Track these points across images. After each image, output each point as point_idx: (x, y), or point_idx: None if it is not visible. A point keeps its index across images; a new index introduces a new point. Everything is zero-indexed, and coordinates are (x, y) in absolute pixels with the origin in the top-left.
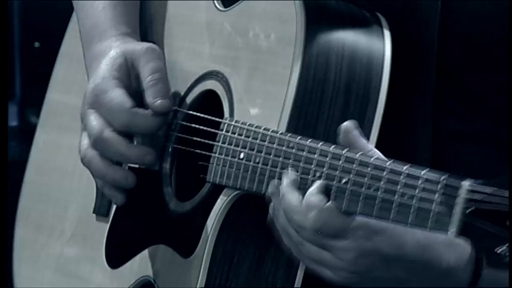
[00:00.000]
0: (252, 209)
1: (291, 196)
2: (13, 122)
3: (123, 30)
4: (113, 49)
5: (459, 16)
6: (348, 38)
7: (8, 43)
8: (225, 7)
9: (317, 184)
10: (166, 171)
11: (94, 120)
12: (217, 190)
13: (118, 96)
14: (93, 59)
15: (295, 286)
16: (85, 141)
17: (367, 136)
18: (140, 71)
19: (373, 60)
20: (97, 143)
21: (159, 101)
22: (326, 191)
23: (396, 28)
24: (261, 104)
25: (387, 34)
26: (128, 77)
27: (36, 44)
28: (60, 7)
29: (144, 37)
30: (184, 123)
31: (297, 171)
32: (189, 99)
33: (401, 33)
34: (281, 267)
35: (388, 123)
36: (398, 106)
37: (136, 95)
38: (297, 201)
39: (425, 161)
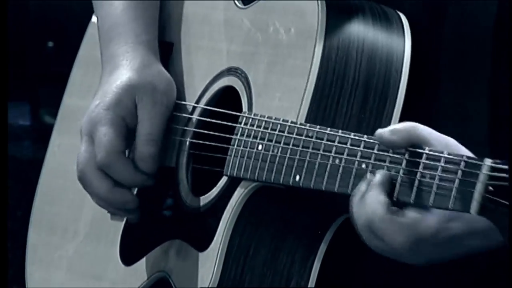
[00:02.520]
0: (268, 202)
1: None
2: (25, 121)
3: (142, 37)
4: (126, 71)
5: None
6: (368, 33)
7: (21, 43)
8: (244, 4)
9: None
10: (182, 166)
11: (83, 152)
12: (233, 184)
13: (112, 133)
14: (108, 60)
15: (310, 280)
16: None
17: None
18: (141, 118)
19: (393, 57)
20: (81, 177)
21: (145, 163)
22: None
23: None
24: (280, 97)
25: (407, 31)
26: (130, 114)
27: (50, 44)
28: (74, 7)
29: (161, 37)
30: (201, 118)
31: (316, 159)
32: (207, 96)
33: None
34: (297, 261)
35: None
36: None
37: (130, 127)
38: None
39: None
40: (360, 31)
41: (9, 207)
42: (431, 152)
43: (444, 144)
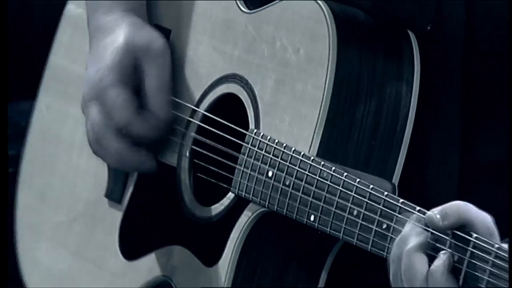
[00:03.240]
0: (275, 225)
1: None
2: None
3: (129, 5)
4: (121, 32)
5: (484, 33)
6: (378, 58)
7: (29, 43)
8: (248, 8)
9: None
10: (184, 170)
11: (97, 116)
12: (241, 200)
13: (124, 94)
14: (97, 31)
15: None
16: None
17: (395, 159)
18: (147, 75)
19: (403, 80)
20: (98, 141)
21: (163, 111)
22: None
23: (420, 49)
24: (290, 122)
25: (416, 52)
26: (133, 74)
27: None
28: None
29: (157, 23)
30: (203, 125)
31: (332, 205)
32: (208, 100)
33: (426, 54)
34: (302, 280)
35: (413, 150)
36: (425, 133)
37: (137, 88)
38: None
39: (452, 190)
40: (371, 55)
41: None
42: (479, 242)
43: (486, 226)
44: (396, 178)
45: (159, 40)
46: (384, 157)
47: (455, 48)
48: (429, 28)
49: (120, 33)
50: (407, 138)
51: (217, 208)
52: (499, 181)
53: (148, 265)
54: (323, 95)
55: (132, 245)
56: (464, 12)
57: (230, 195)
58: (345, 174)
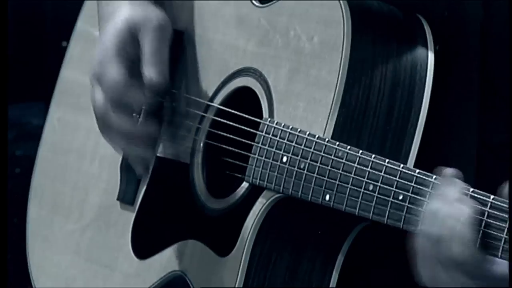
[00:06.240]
0: (290, 212)
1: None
2: (40, 121)
3: None
4: (121, 12)
5: (501, 21)
6: (392, 42)
7: (36, 43)
8: (261, 3)
9: None
10: (197, 165)
11: (97, 97)
12: (255, 189)
13: (115, 68)
14: (101, 21)
15: (330, 286)
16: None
17: (410, 143)
18: (142, 45)
19: (416, 65)
20: (102, 121)
21: (155, 79)
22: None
23: (438, 34)
24: (305, 108)
25: (429, 38)
26: (130, 45)
27: (64, 44)
28: None
29: (172, 25)
30: (218, 119)
31: (347, 183)
32: (222, 94)
33: (444, 40)
34: (316, 270)
35: (432, 133)
36: (442, 116)
37: (136, 61)
38: None
39: (470, 172)
40: (384, 40)
41: (22, 206)
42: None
43: None
44: (410, 163)
45: (155, 15)
46: (399, 142)
47: (473, 33)
48: (446, 14)
49: (119, 14)
50: (422, 123)
51: (231, 198)
52: None
53: (162, 262)
54: (338, 79)
55: (145, 243)
56: None
57: (244, 185)
58: (361, 151)
